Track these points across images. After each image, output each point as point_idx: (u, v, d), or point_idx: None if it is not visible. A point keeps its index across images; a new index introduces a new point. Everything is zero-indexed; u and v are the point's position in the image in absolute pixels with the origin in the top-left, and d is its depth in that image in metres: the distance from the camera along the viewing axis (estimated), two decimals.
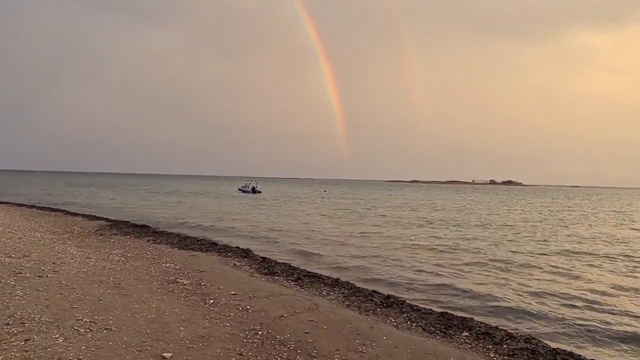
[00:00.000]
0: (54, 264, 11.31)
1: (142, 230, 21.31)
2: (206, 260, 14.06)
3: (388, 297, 10.31)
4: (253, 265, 13.66)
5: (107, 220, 25.23)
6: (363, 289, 11.10)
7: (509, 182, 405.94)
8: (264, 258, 15.03)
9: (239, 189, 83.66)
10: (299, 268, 13.58)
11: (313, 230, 25.61)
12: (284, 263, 14.31)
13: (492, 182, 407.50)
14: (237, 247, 16.77)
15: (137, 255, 14.10)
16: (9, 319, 6.97)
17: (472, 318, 9.03)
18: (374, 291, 10.90)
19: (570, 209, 57.48)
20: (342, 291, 10.86)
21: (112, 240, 17.19)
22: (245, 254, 15.65)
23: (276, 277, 12.07)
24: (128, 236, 18.89)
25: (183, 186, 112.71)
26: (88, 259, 12.50)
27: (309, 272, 12.91)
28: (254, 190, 77.96)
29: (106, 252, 14.10)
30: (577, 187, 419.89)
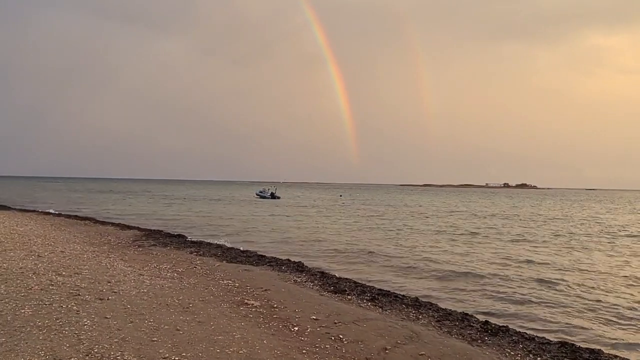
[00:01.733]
0: (109, 282, 10.34)
1: (179, 240, 20.39)
2: (263, 275, 13.00)
3: (486, 322, 9.13)
4: (315, 281, 12.57)
5: (139, 229, 24.38)
6: (452, 311, 9.95)
7: (523, 185, 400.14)
8: (322, 272, 13.94)
9: (257, 194, 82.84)
10: (365, 284, 12.46)
11: (353, 242, 24.49)
12: (347, 278, 13.21)
13: (506, 185, 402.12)
14: (288, 260, 15.70)
15: (187, 270, 13.11)
16: (86, 357, 5.97)
17: (600, 350, 7.82)
18: (465, 314, 9.74)
19: None
20: (430, 313, 9.72)
21: (154, 253, 16.25)
22: (300, 267, 14.58)
23: (348, 297, 10.96)
24: (168, 247, 17.97)
25: (199, 192, 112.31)
26: (141, 276, 11.51)
27: (381, 289, 11.78)
28: (272, 196, 77.03)
29: (155, 267, 13.13)
30: (593, 189, 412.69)
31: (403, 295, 11.21)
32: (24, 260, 12.14)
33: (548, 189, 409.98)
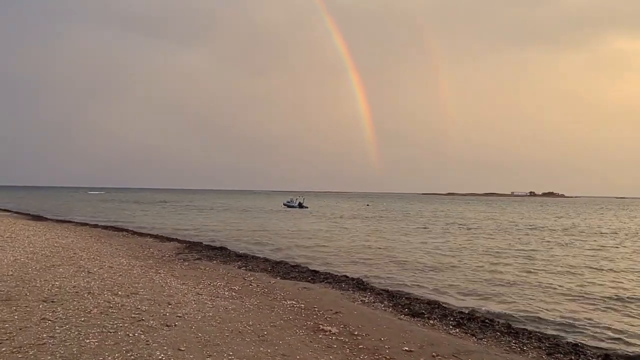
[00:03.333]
0: (169, 304, 9.47)
1: (222, 253, 19.57)
2: (326, 295, 11.97)
3: (607, 356, 7.86)
4: (385, 302, 11.47)
5: (178, 241, 23.72)
6: (560, 340, 8.69)
7: (549, 194, 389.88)
8: (387, 290, 12.83)
9: (284, 204, 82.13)
10: (443, 305, 11.28)
11: (408, 259, 23.24)
12: (418, 298, 12.04)
13: (532, 194, 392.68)
14: (345, 277, 14.63)
15: (244, 288, 12.18)
16: None
17: None
18: (576, 344, 8.47)
19: None
20: (534, 343, 8.48)
21: (203, 268, 15.42)
22: (361, 285, 13.50)
23: (430, 321, 9.82)
24: (214, 261, 17.17)
25: (223, 202, 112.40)
26: (199, 296, 10.63)
27: (465, 312, 10.58)
28: (300, 206, 76.21)
29: (210, 285, 12.24)
30: (623, 198, 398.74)
31: (491, 320, 9.98)
32: (75, 278, 11.42)
33: (576, 197, 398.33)
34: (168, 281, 12.23)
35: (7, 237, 20.36)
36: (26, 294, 9.43)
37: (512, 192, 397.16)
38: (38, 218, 38.45)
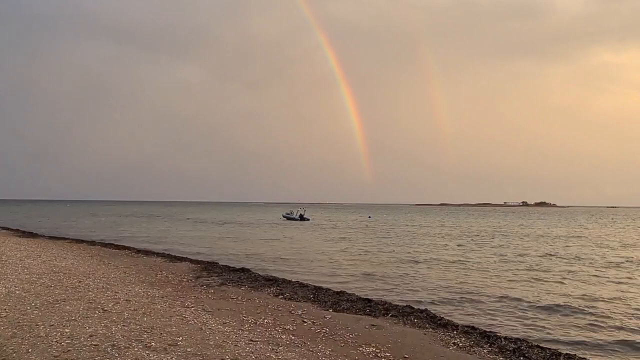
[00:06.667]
0: None
1: (247, 276, 17.03)
2: (406, 336, 9.52)
3: None
4: (484, 346, 9.06)
5: (190, 261, 21.13)
6: None
7: (542, 204, 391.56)
8: (472, 327, 10.43)
9: (283, 216, 79.52)
10: (559, 351, 8.91)
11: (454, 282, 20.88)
12: (519, 339, 9.65)
13: (525, 204, 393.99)
14: (410, 307, 12.20)
15: (300, 328, 9.71)
16: None
17: None
18: None
19: None
20: None
21: (233, 297, 12.91)
22: (436, 319, 11.06)
23: None
24: (242, 287, 14.67)
25: (219, 214, 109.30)
26: (254, 343, 8.14)
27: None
28: (302, 218, 73.64)
29: (257, 324, 9.75)
30: (614, 207, 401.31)
31: None
32: (89, 320, 8.87)
33: (568, 207, 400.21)
34: (204, 319, 9.73)
35: None
36: (28, 351, 6.91)
37: (505, 202, 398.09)
38: (30, 235, 35.50)
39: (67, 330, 8.04)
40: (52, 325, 8.35)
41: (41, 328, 8.11)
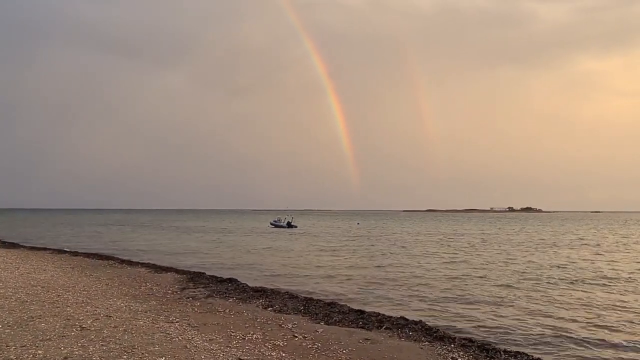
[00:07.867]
0: None
1: (234, 287, 16.51)
2: (401, 350, 9.15)
3: None
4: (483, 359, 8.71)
5: (176, 271, 20.49)
6: None
7: (528, 209, 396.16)
8: (469, 339, 10.09)
9: (271, 224, 78.77)
10: None
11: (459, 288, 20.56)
12: (518, 352, 9.32)
13: (511, 209, 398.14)
14: (404, 319, 11.82)
15: (291, 344, 9.26)
16: None
17: None
18: None
19: None
20: None
21: (220, 310, 12.40)
22: (431, 331, 10.70)
23: None
24: (229, 300, 14.16)
25: (206, 222, 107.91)
26: None
27: None
28: (289, 225, 73.01)
29: (246, 340, 9.28)
30: (599, 212, 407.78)
31: None
32: (65, 339, 8.30)
33: (553, 212, 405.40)
34: (189, 336, 9.22)
35: None
36: None
37: (491, 208, 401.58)
38: (10, 245, 34.35)
39: (40, 351, 7.48)
40: (24, 346, 7.77)
41: (12, 349, 7.53)
